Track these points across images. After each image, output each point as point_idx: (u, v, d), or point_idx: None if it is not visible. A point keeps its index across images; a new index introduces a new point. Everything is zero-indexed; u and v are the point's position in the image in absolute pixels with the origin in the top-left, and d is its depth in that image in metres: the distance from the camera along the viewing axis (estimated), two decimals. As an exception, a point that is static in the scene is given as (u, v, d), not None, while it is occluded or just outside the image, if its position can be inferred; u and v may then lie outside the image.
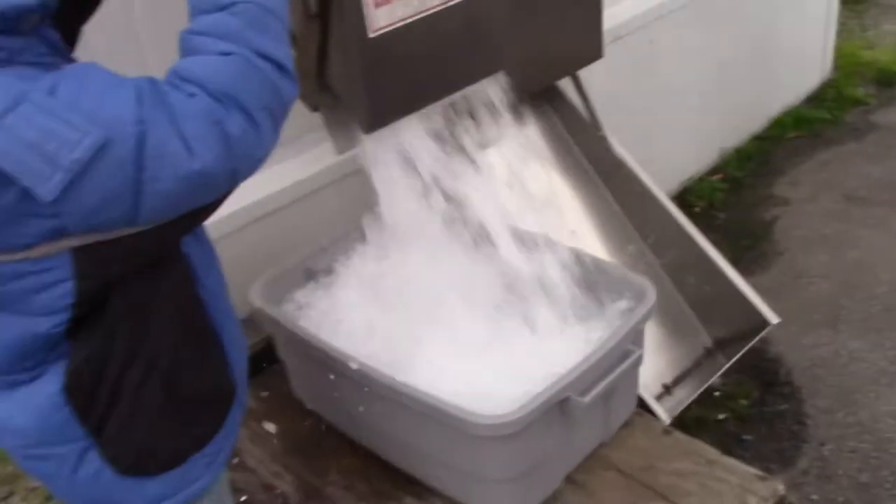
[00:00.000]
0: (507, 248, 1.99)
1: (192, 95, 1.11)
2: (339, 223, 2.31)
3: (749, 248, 3.47)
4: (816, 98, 4.48)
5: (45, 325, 1.20)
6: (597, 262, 1.94)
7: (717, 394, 2.80)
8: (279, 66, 1.17)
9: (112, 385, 1.28)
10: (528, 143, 2.91)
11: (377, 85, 1.59)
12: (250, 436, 2.04)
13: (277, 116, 1.19)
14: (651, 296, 1.80)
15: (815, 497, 2.44)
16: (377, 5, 1.51)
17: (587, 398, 1.61)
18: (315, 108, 1.85)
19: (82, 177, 1.05)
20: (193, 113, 1.10)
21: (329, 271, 2.08)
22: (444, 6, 1.64)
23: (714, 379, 2.76)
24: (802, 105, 4.41)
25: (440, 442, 1.68)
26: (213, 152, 1.11)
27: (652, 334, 2.75)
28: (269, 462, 1.97)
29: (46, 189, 1.05)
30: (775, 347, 2.97)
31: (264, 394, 2.17)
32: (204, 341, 1.38)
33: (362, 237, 2.15)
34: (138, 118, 1.07)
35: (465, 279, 1.96)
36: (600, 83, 3.00)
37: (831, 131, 4.22)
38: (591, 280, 1.88)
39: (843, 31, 5.13)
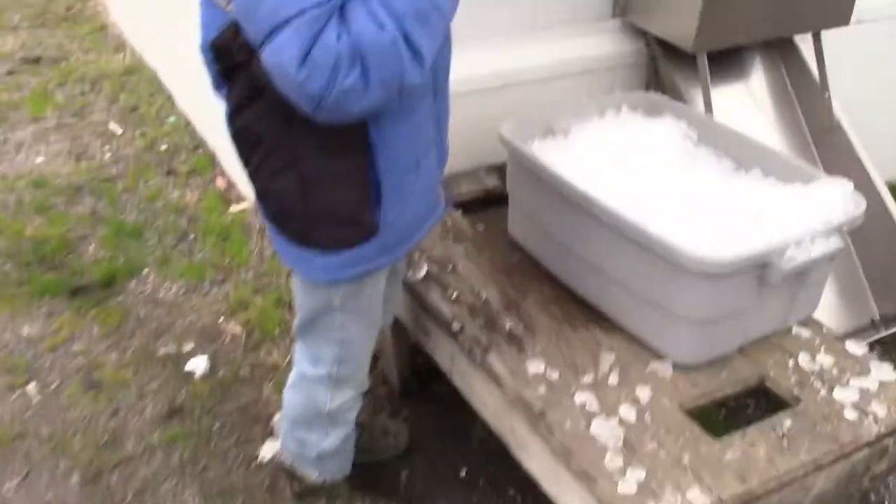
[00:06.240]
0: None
1: (339, 38, 1.32)
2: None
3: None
4: None
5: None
6: (817, 172, 2.13)
7: (873, 362, 2.91)
8: (416, 54, 1.38)
9: (261, 157, 1.60)
10: (751, 92, 3.09)
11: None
12: (465, 252, 2.34)
13: (390, 89, 1.39)
14: (862, 205, 1.98)
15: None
16: None
17: (788, 266, 1.82)
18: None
19: None
20: (329, 50, 1.31)
21: (566, 132, 2.34)
22: None
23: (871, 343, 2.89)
24: None
25: (645, 275, 1.92)
26: (319, 83, 1.33)
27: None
28: (478, 274, 2.26)
29: None
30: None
31: (481, 226, 2.46)
32: (351, 172, 1.59)
33: (600, 112, 2.40)
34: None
35: (691, 157, 2.20)
36: (835, 56, 3.13)
37: None
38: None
39: None
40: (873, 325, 2.96)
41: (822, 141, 3.05)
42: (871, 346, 2.88)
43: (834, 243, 1.91)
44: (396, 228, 1.71)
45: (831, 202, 1.98)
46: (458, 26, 2.58)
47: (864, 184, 2.95)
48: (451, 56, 1.77)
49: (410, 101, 1.56)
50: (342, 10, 1.33)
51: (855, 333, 2.92)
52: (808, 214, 1.93)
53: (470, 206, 2.60)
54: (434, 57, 1.50)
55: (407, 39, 1.36)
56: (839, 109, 3.01)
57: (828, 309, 2.92)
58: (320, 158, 1.57)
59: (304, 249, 1.70)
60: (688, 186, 2.12)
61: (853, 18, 3.31)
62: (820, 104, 3.00)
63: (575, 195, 2.02)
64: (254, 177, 1.66)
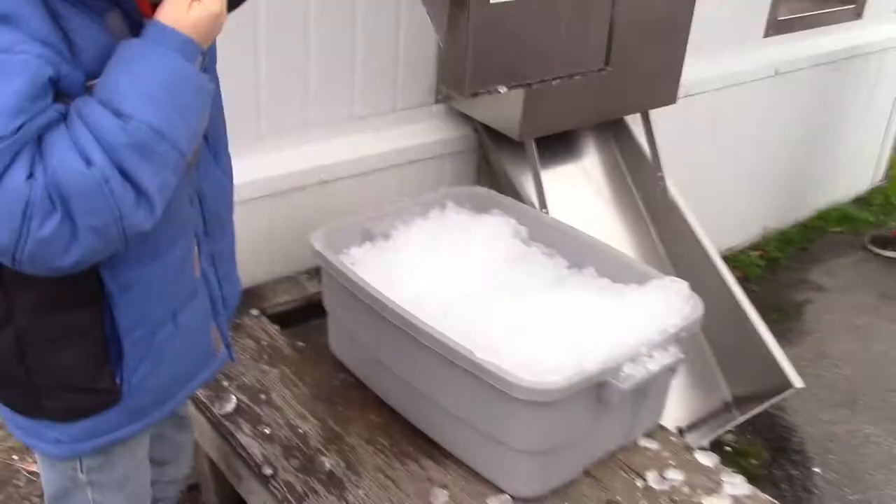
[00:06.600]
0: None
1: (30, 177, 1.04)
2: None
3: (776, 322, 3.47)
4: (864, 200, 4.54)
5: None
6: (652, 271, 1.99)
7: (728, 449, 2.81)
8: (140, 194, 1.11)
9: None
10: (585, 172, 2.99)
11: (484, 52, 1.66)
12: (280, 377, 2.09)
13: (108, 237, 1.11)
14: (699, 308, 1.84)
15: (809, 563, 2.45)
16: (501, -25, 1.60)
17: (626, 385, 1.65)
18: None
19: None
20: (15, 194, 1.03)
21: (386, 236, 2.13)
22: (557, -7, 1.72)
23: (727, 431, 2.80)
24: (849, 204, 4.47)
25: (472, 403, 1.71)
26: (5, 235, 1.05)
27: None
28: (295, 404, 2.01)
29: None
30: (792, 417, 2.98)
31: (301, 344, 2.21)
32: (80, 328, 1.31)
33: (423, 212, 2.21)
34: None
35: (522, 259, 2.03)
36: (662, 133, 3.07)
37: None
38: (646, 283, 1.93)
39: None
40: (727, 408, 2.87)
41: (658, 220, 2.97)
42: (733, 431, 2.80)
43: (673, 354, 1.76)
44: (148, 391, 1.41)
45: (667, 307, 1.84)
46: (267, 123, 2.40)
47: (703, 263, 2.89)
48: (229, 179, 1.54)
49: (157, 241, 1.30)
50: (39, 141, 1.07)
51: (708, 418, 2.82)
52: (643, 324, 1.78)
53: (289, 318, 2.35)
54: (183, 189, 1.28)
55: (124, 176, 1.09)
56: (673, 188, 2.94)
57: (679, 394, 2.80)
58: (41, 313, 1.27)
59: (32, 420, 1.39)
60: (517, 294, 1.95)
61: (682, 91, 3.31)
62: (653, 183, 2.93)
63: (392, 314, 1.80)
64: None
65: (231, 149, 2.35)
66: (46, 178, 1.05)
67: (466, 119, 2.72)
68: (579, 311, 1.84)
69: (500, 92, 1.74)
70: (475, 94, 1.75)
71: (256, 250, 2.44)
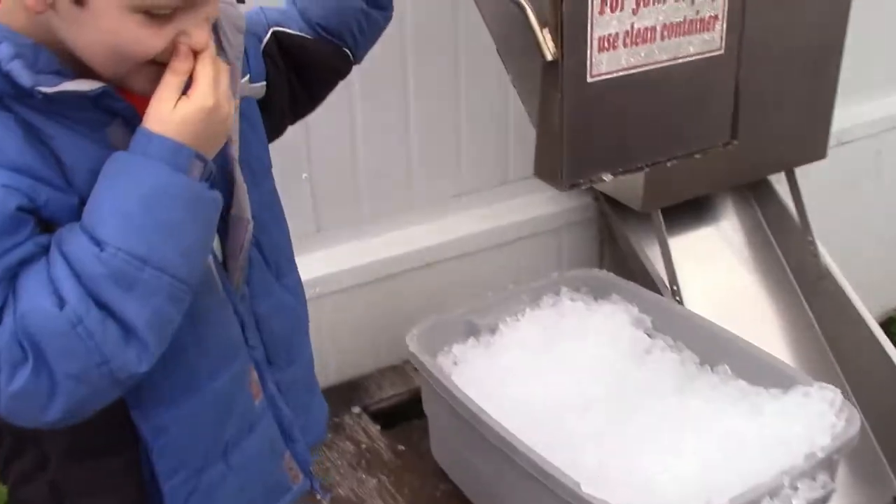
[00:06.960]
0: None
1: None
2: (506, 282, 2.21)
3: (959, 397, 3.06)
4: None
5: None
6: (797, 374, 1.71)
7: (901, 555, 2.43)
8: (128, 332, 0.95)
9: (6, 454, 1.18)
10: (724, 236, 2.70)
11: (583, 137, 1.45)
12: (378, 488, 1.92)
13: (94, 383, 0.95)
14: (855, 423, 1.54)
15: None
16: (601, 50, 1.39)
17: (766, 529, 1.38)
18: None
19: None
20: None
21: (493, 330, 1.94)
22: (670, 62, 1.49)
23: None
24: None
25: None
26: None
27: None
28: (393, 521, 1.83)
29: None
30: (979, 516, 2.56)
31: (402, 448, 2.04)
32: (115, 476, 1.17)
33: (533, 299, 2.00)
34: None
35: (645, 355, 1.79)
36: (813, 186, 2.74)
37: None
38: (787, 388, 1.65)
39: None
40: (898, 507, 2.50)
41: (810, 290, 2.63)
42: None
43: (822, 485, 1.47)
44: None
45: (816, 422, 1.55)
46: (368, 206, 2.27)
47: (863, 339, 2.53)
48: (298, 300, 1.37)
49: (191, 376, 1.14)
50: (15, 278, 0.93)
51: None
52: (786, 445, 1.50)
53: (393, 416, 2.18)
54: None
55: (106, 312, 0.94)
56: (826, 253, 2.61)
57: (840, 490, 2.45)
58: (72, 461, 1.14)
59: None
60: (637, 399, 1.71)
61: (835, 140, 2.96)
62: (803, 248, 2.60)
63: (489, 431, 1.60)
64: (2, 477, 1.24)
65: (332, 235, 2.21)
66: (15, 323, 0.91)
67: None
68: (708, 427, 1.58)
69: (604, 181, 1.52)
70: (574, 186, 1.53)
71: (361, 339, 2.30)
